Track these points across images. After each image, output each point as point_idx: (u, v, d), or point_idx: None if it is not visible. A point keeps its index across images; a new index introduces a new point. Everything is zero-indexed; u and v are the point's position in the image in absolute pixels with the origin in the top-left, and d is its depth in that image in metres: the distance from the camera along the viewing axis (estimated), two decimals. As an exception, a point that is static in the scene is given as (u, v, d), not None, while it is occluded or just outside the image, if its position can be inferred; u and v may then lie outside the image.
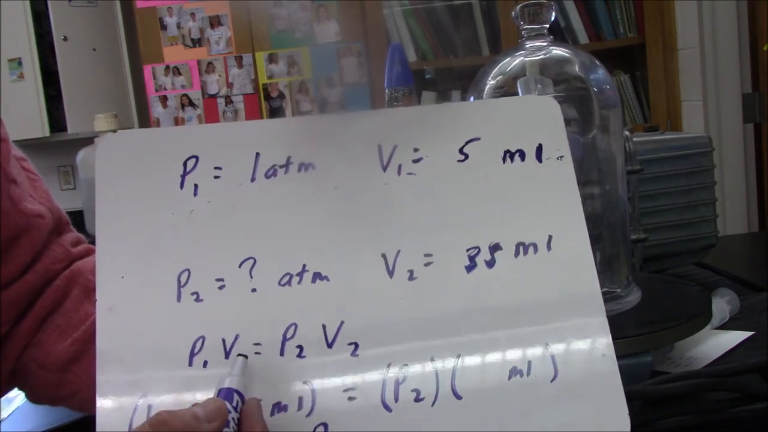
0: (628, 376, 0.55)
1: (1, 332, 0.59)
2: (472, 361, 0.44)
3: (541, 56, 0.65)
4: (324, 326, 0.45)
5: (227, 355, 0.44)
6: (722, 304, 0.76)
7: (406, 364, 0.44)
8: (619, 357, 0.56)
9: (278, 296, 0.46)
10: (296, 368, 0.44)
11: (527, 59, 0.65)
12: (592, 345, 0.44)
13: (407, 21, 2.73)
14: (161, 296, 0.46)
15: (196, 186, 0.47)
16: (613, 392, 0.43)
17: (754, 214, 2.29)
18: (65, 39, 2.83)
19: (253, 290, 0.46)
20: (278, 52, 2.68)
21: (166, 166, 0.48)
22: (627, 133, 0.85)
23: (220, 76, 2.68)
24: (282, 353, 0.44)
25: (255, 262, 0.46)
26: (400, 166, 0.48)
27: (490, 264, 0.46)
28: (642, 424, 0.53)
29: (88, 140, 2.83)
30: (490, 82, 0.66)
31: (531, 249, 0.46)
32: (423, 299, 0.45)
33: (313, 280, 0.46)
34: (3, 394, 0.63)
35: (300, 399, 0.43)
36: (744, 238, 1.74)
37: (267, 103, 2.69)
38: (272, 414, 0.43)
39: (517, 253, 0.46)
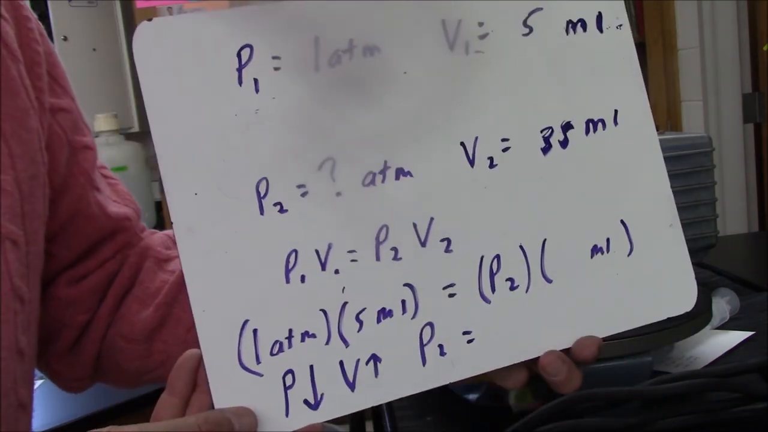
0: (628, 376, 0.55)
1: (82, 319, 0.61)
2: (557, 244, 0.45)
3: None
4: (415, 225, 0.44)
5: (324, 266, 0.42)
6: (722, 304, 0.76)
7: (498, 255, 0.44)
8: (619, 357, 0.56)
9: (365, 198, 0.43)
10: (394, 271, 0.43)
11: (527, 59, 0.65)
12: (660, 217, 0.46)
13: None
14: (242, 211, 0.42)
15: (256, 81, 0.43)
16: (681, 264, 0.46)
17: (754, 214, 2.29)
18: (65, 39, 2.83)
19: (338, 194, 0.43)
20: (278, 52, 2.67)
21: (219, 59, 0.43)
22: (627, 133, 0.84)
23: (220, 76, 2.68)
24: (378, 258, 0.43)
25: (335, 162, 0.43)
26: (467, 44, 0.45)
27: (564, 144, 0.46)
28: (642, 424, 0.53)
29: (88, 140, 2.83)
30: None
31: (600, 125, 0.46)
32: (506, 186, 0.45)
33: (397, 177, 0.44)
34: (89, 386, 0.65)
35: (403, 302, 0.43)
36: (744, 238, 1.74)
37: (267, 103, 2.69)
38: (378, 321, 0.43)
39: (587, 131, 0.46)
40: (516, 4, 0.46)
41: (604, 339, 0.56)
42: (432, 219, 0.44)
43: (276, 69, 0.43)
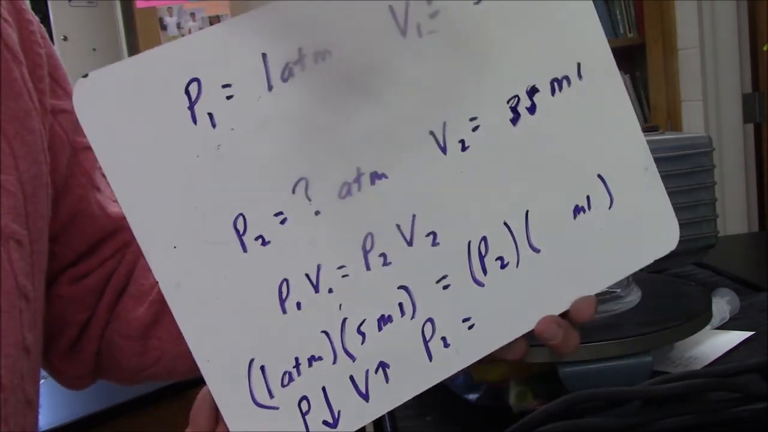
0: (628, 376, 0.55)
1: (82, 317, 0.62)
2: (539, 213, 0.44)
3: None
4: (398, 226, 0.43)
5: (317, 288, 0.42)
6: (722, 304, 0.76)
7: (484, 236, 0.44)
8: (619, 357, 0.56)
9: (344, 211, 0.42)
10: (386, 277, 0.43)
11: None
12: (634, 163, 0.46)
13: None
14: (225, 254, 0.41)
15: (210, 115, 0.41)
16: (661, 206, 0.46)
17: (754, 214, 2.29)
18: (65, 39, 2.83)
19: (317, 213, 0.42)
20: (278, 52, 2.67)
21: (167, 100, 0.41)
22: (627, 133, 0.84)
23: (220, 76, 2.68)
24: (368, 267, 0.43)
25: (307, 182, 0.42)
26: (419, 26, 0.43)
27: (532, 110, 0.44)
28: (642, 424, 0.53)
29: (88, 140, 2.83)
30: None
31: (564, 83, 0.45)
32: (481, 167, 0.44)
33: (372, 182, 0.43)
34: (90, 383, 0.66)
35: (400, 305, 0.43)
36: (744, 238, 1.75)
37: (267, 103, 2.69)
38: (379, 329, 0.43)
39: (553, 91, 0.45)
40: None
41: (604, 339, 0.56)
42: (414, 216, 0.43)
43: (228, 98, 0.41)
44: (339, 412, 0.42)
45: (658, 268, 0.90)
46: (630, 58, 2.69)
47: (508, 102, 0.44)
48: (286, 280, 0.42)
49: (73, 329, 0.62)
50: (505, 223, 0.44)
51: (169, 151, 0.41)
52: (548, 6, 0.45)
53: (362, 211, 0.43)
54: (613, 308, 0.62)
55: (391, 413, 0.63)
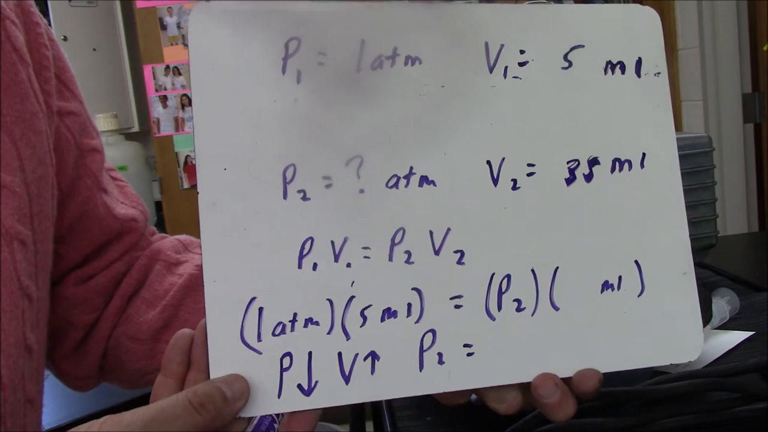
0: (628, 376, 0.55)
1: (88, 319, 0.63)
2: (568, 273, 0.45)
3: (541, 56, 0.65)
4: (431, 232, 0.44)
5: (336, 258, 0.43)
6: (722, 304, 0.76)
7: (509, 274, 0.45)
8: (619, 357, 0.56)
9: (386, 199, 0.44)
10: (405, 274, 0.44)
11: (527, 59, 0.65)
12: (675, 263, 0.46)
13: (407, 21, 2.73)
14: (267, 192, 0.43)
15: (299, 72, 0.44)
16: (690, 313, 0.46)
17: (754, 214, 2.29)
18: (65, 39, 2.83)
19: (361, 191, 0.44)
20: (278, 52, 2.67)
21: (267, 46, 0.44)
22: (627, 133, 0.84)
23: (220, 76, 2.68)
24: (390, 258, 0.44)
25: (362, 160, 0.44)
26: (506, 69, 0.46)
27: (588, 178, 0.46)
28: (642, 424, 0.53)
29: (88, 140, 2.83)
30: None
31: (626, 165, 0.47)
32: (525, 210, 0.45)
33: (420, 184, 0.45)
34: (94, 385, 0.67)
35: (409, 305, 0.44)
36: (744, 238, 1.75)
37: (267, 103, 2.69)
38: (382, 320, 0.43)
39: (613, 169, 0.46)
40: (560, 38, 0.47)
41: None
42: (449, 230, 0.44)
43: (320, 64, 0.45)
44: (316, 382, 0.42)
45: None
46: (630, 58, 2.68)
47: (568, 163, 0.46)
48: (311, 238, 0.43)
49: (78, 330, 0.63)
50: (533, 270, 0.45)
51: (252, 88, 0.44)
52: (630, 95, 0.47)
53: (403, 205, 0.45)
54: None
55: (391, 413, 0.63)
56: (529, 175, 0.46)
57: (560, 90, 0.47)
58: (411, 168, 0.45)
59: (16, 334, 0.49)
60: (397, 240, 0.44)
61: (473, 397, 0.62)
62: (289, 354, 0.42)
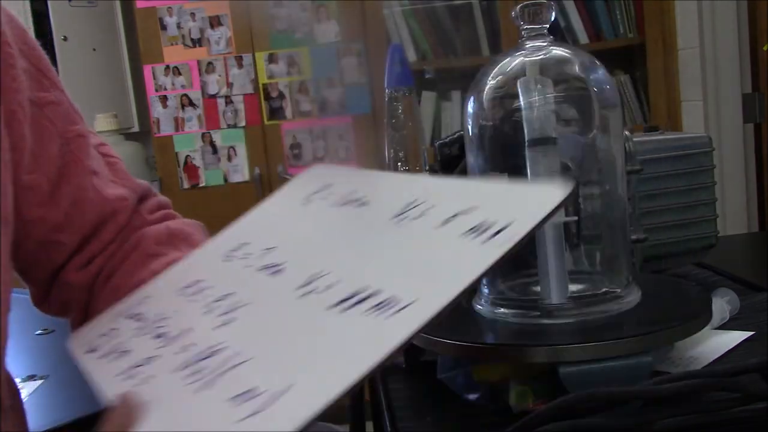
0: (628, 376, 0.55)
1: (84, 299, 0.66)
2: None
3: (541, 56, 0.65)
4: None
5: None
6: (722, 304, 0.76)
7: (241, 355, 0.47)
8: (619, 357, 0.56)
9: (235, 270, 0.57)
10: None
11: (527, 59, 0.65)
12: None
13: (407, 21, 2.73)
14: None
15: None
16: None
17: (754, 214, 2.29)
18: (65, 39, 2.83)
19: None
20: (278, 52, 2.68)
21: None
22: (627, 133, 0.84)
23: (220, 76, 2.68)
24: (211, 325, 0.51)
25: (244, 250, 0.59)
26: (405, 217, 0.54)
27: (348, 307, 0.45)
28: (642, 424, 0.53)
29: (88, 140, 2.83)
30: (490, 82, 0.66)
31: (385, 307, 0.44)
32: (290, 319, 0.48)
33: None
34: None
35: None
36: (744, 238, 1.75)
37: (267, 103, 2.69)
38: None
39: (377, 306, 0.44)
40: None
41: (604, 339, 0.56)
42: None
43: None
44: None
45: (658, 268, 0.91)
46: (630, 58, 2.68)
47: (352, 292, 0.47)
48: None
49: (81, 313, 0.65)
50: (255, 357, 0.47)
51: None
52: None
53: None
54: (613, 308, 0.62)
55: (391, 413, 0.63)
56: (308, 294, 0.49)
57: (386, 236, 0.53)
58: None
59: None
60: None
61: (472, 396, 0.62)
62: None
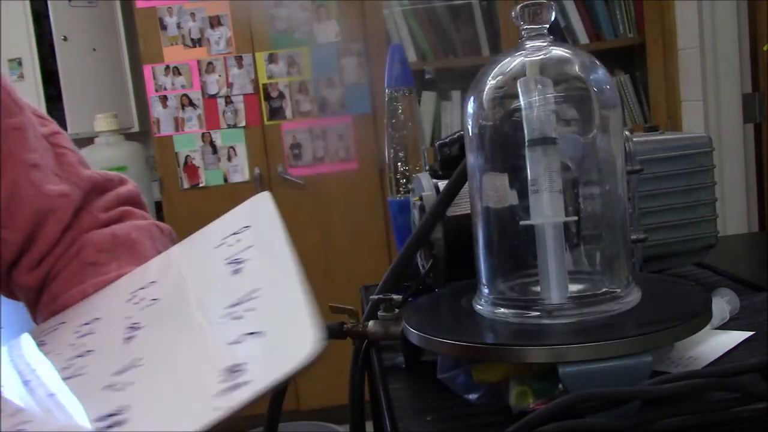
0: (628, 376, 0.55)
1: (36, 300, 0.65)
2: None
3: (541, 56, 0.65)
4: None
5: None
6: (722, 304, 0.76)
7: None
8: (619, 357, 0.56)
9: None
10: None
11: (527, 59, 0.65)
12: None
13: (407, 21, 2.73)
14: None
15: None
16: None
17: (754, 214, 2.29)
18: (65, 39, 2.83)
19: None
20: (278, 52, 2.68)
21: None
22: (627, 133, 0.84)
23: (220, 76, 2.68)
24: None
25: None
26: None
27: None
28: (642, 424, 0.53)
29: (88, 140, 2.83)
30: (490, 82, 0.66)
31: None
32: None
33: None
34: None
35: None
36: (744, 238, 1.75)
37: (267, 103, 2.69)
38: None
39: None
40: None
41: (604, 339, 0.55)
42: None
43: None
44: None
45: (658, 268, 0.91)
46: (630, 58, 2.69)
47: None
48: None
49: (32, 315, 0.65)
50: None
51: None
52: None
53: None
54: (613, 308, 0.62)
55: (391, 413, 0.63)
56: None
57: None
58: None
59: None
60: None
61: (472, 396, 0.62)
62: None
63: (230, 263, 0.54)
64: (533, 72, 0.64)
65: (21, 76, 2.83)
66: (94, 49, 2.94)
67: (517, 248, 0.65)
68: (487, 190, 0.66)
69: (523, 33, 0.67)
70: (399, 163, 0.98)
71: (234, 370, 0.41)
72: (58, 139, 0.67)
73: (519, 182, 0.64)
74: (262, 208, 0.61)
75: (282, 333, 0.44)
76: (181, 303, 0.55)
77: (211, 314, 0.50)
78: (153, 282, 0.59)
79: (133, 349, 0.50)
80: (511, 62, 0.67)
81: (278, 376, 0.39)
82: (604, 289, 0.64)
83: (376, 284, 0.75)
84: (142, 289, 0.59)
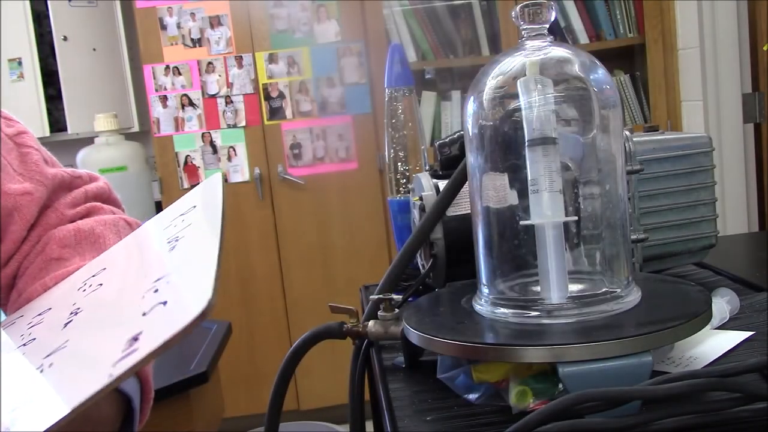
0: (628, 376, 0.55)
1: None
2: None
3: (541, 56, 0.65)
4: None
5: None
6: (722, 304, 0.76)
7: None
8: (619, 357, 0.56)
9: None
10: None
11: (527, 59, 0.65)
12: None
13: (407, 21, 2.73)
14: None
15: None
16: None
17: (754, 214, 2.29)
18: (65, 39, 2.83)
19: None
20: (278, 52, 2.68)
21: None
22: (627, 133, 0.84)
23: (220, 76, 2.68)
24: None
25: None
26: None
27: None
28: (642, 424, 0.53)
29: (88, 140, 2.83)
30: (490, 82, 0.66)
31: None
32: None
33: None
34: None
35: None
36: (744, 238, 1.75)
37: (267, 103, 2.69)
38: None
39: None
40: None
41: (604, 339, 0.55)
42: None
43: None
44: None
45: (658, 268, 0.91)
46: (630, 58, 2.69)
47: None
48: None
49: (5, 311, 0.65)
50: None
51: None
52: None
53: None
54: (613, 308, 0.62)
55: (391, 413, 0.63)
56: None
57: None
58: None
59: None
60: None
61: (472, 396, 0.62)
62: None
63: (169, 242, 0.56)
64: (533, 72, 0.64)
65: (21, 76, 2.83)
66: (94, 49, 2.94)
67: (517, 248, 0.65)
68: (487, 190, 0.66)
69: (523, 33, 0.67)
70: (399, 163, 0.98)
71: (135, 338, 0.44)
72: (23, 139, 0.67)
73: (519, 182, 0.64)
74: (210, 189, 0.62)
75: (180, 301, 0.47)
76: (120, 284, 0.56)
77: (141, 290, 0.51)
78: (104, 269, 0.60)
79: (68, 333, 0.52)
80: (511, 62, 0.67)
81: (161, 341, 0.42)
82: (604, 289, 0.64)
83: (376, 284, 0.75)
84: (93, 276, 0.60)
